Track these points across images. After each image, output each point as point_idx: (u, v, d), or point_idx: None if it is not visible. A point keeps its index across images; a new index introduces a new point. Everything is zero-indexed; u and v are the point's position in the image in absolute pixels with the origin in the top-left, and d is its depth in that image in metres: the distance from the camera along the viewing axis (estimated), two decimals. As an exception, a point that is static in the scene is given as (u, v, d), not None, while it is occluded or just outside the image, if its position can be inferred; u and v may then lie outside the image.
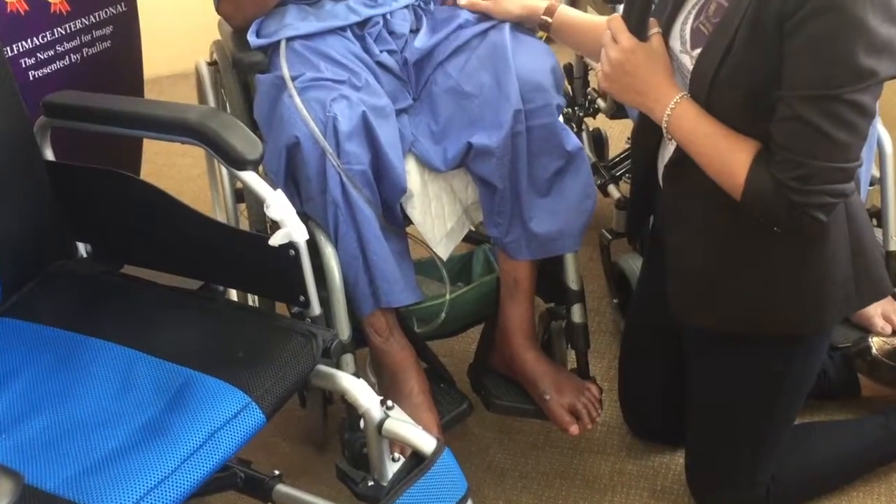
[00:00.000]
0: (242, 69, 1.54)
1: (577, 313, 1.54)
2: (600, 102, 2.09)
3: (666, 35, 1.21)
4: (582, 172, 1.47)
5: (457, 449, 1.21)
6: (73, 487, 0.95)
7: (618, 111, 1.98)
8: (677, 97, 1.16)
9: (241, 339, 1.16)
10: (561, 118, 1.48)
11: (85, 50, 1.68)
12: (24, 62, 1.58)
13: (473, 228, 1.60)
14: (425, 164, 1.47)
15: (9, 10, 1.53)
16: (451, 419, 1.49)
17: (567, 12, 1.49)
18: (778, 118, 1.07)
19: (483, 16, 1.53)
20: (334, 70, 1.45)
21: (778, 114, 1.07)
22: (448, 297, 1.54)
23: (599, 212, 1.62)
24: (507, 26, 1.49)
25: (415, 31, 1.58)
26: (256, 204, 1.52)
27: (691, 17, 1.20)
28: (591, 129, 2.25)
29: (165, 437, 1.00)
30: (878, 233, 1.74)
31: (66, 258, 1.36)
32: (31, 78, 1.59)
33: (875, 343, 1.60)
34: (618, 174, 2.05)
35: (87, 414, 1.07)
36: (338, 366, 1.27)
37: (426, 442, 1.13)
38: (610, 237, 1.90)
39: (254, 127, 1.56)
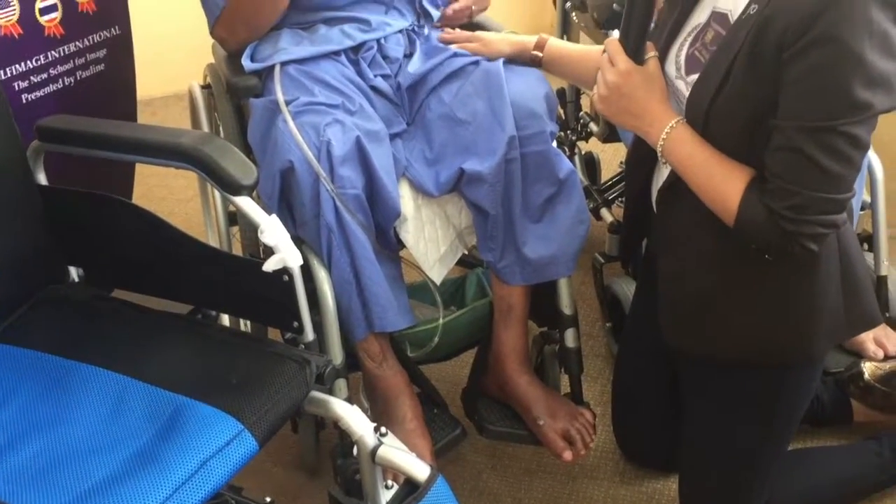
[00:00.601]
0: (236, 93, 1.54)
1: (570, 338, 1.54)
2: (593, 126, 2.10)
3: (662, 60, 1.22)
4: (574, 198, 1.47)
5: (450, 474, 1.20)
6: (64, 517, 0.94)
7: (610, 135, 1.99)
8: (673, 122, 1.17)
9: (234, 365, 1.15)
10: (554, 143, 1.48)
11: (79, 73, 1.68)
12: (18, 85, 1.58)
13: (467, 252, 1.60)
14: (419, 188, 1.47)
15: (2, 33, 1.53)
16: (445, 445, 1.48)
17: (557, 45, 1.51)
18: (773, 147, 1.08)
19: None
20: (328, 94, 1.45)
21: (773, 143, 1.08)
22: (441, 321, 1.54)
23: (592, 235, 1.62)
24: (500, 52, 1.50)
25: (409, 56, 1.59)
26: (250, 228, 1.52)
27: (687, 43, 1.21)
28: (583, 152, 2.26)
29: (157, 466, 0.99)
30: (869, 257, 1.76)
31: (59, 282, 1.36)
32: (24, 101, 1.59)
33: (867, 368, 1.60)
34: (610, 198, 2.05)
35: (77, 441, 1.06)
36: (331, 391, 1.26)
37: (420, 470, 1.12)
38: (603, 261, 1.90)
39: (247, 151, 1.56)
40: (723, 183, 1.13)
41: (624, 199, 1.74)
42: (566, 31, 2.18)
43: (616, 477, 1.63)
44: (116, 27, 1.76)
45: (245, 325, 1.60)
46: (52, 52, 1.62)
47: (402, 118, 1.55)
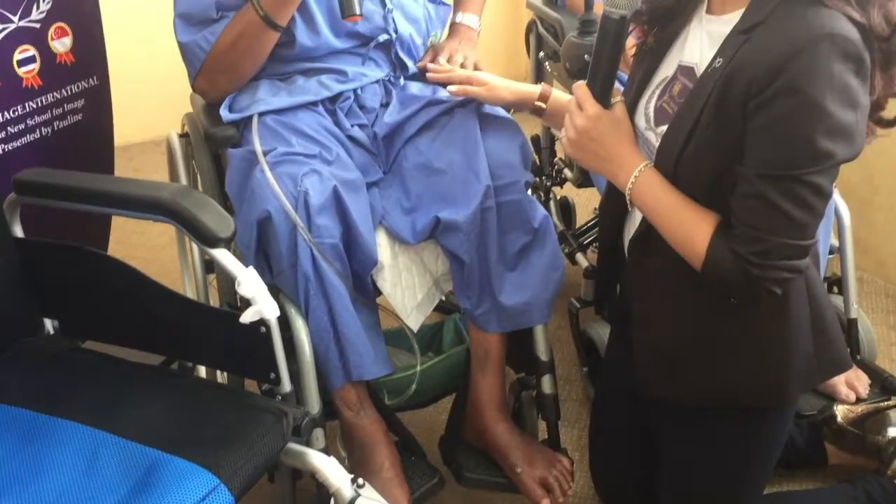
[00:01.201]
0: (214, 143, 1.56)
1: (546, 384, 1.55)
2: (567, 172, 2.14)
3: (631, 113, 1.25)
4: (548, 246, 1.49)
5: (428, 524, 1.19)
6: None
7: (585, 180, 2.02)
8: (641, 166, 1.19)
9: (210, 417, 1.15)
10: (529, 192, 1.51)
11: (56, 123, 1.69)
12: (-6, 136, 1.59)
13: (444, 298, 1.61)
14: (395, 236, 1.48)
15: (-21, 85, 1.54)
16: (423, 494, 1.47)
17: (559, 97, 1.50)
18: (739, 194, 1.10)
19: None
20: (305, 144, 1.47)
21: (739, 189, 1.10)
22: (419, 368, 1.55)
23: (568, 280, 1.64)
24: (475, 102, 1.52)
25: (385, 106, 1.61)
26: (227, 279, 1.52)
27: (655, 95, 1.24)
28: (558, 197, 2.29)
29: (132, 523, 0.99)
30: (839, 300, 1.79)
31: (33, 334, 1.35)
32: (1, 152, 1.59)
33: (840, 411, 1.62)
34: (585, 242, 2.08)
35: (52, 498, 1.05)
36: (308, 442, 1.26)
37: (397, 521, 1.12)
38: (578, 306, 1.92)
39: (225, 200, 1.56)
40: (691, 227, 1.15)
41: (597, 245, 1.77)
42: (540, 79, 2.22)
43: (594, 523, 1.63)
44: (94, 77, 1.77)
45: (222, 376, 1.59)
46: (30, 103, 1.63)
47: (379, 167, 1.57)
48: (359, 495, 1.13)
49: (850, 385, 1.68)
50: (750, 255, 1.09)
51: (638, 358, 1.34)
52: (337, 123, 1.57)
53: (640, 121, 1.25)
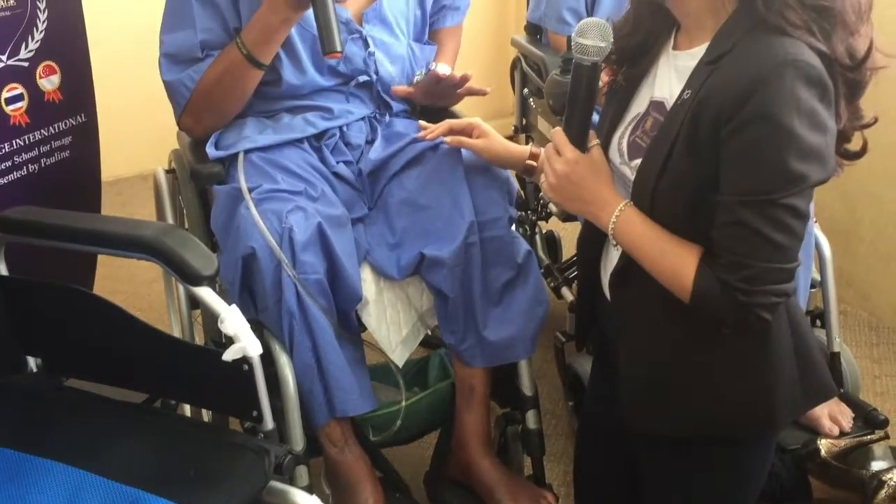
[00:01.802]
0: (200, 180, 1.57)
1: (531, 419, 1.55)
2: (553, 206, 2.15)
3: (605, 149, 1.27)
4: (532, 281, 1.50)
5: (412, 562, 1.19)
6: None
7: (570, 214, 2.04)
8: (622, 205, 1.21)
9: (192, 456, 1.15)
10: (514, 227, 1.52)
11: (43, 160, 1.69)
12: (-20, 173, 1.59)
13: (430, 333, 1.62)
14: (380, 272, 1.49)
15: (-33, 123, 1.55)
16: (407, 530, 1.47)
17: None
18: (719, 223, 1.12)
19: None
20: (291, 181, 1.48)
21: (719, 218, 1.12)
22: (404, 403, 1.55)
23: (554, 314, 1.65)
24: (459, 139, 1.54)
25: (370, 143, 1.63)
26: (211, 317, 1.52)
27: (628, 131, 1.26)
28: (544, 231, 2.30)
29: (111, 564, 0.98)
30: (822, 334, 1.80)
31: (17, 372, 1.35)
32: (-13, 188, 1.60)
33: (824, 445, 1.62)
34: (570, 276, 2.08)
35: (31, 539, 1.05)
36: (291, 480, 1.26)
37: (380, 560, 1.12)
38: (564, 340, 1.92)
39: (210, 236, 1.57)
40: (675, 260, 1.16)
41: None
42: (525, 114, 2.25)
43: (580, 559, 1.61)
44: (82, 115, 1.78)
45: (208, 414, 1.59)
46: (17, 141, 1.63)
47: (364, 203, 1.58)
48: (341, 534, 1.13)
49: (834, 419, 1.68)
50: (737, 282, 1.10)
51: (623, 395, 1.34)
52: (322, 160, 1.58)
53: (615, 156, 1.27)
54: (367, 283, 1.49)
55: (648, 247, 1.19)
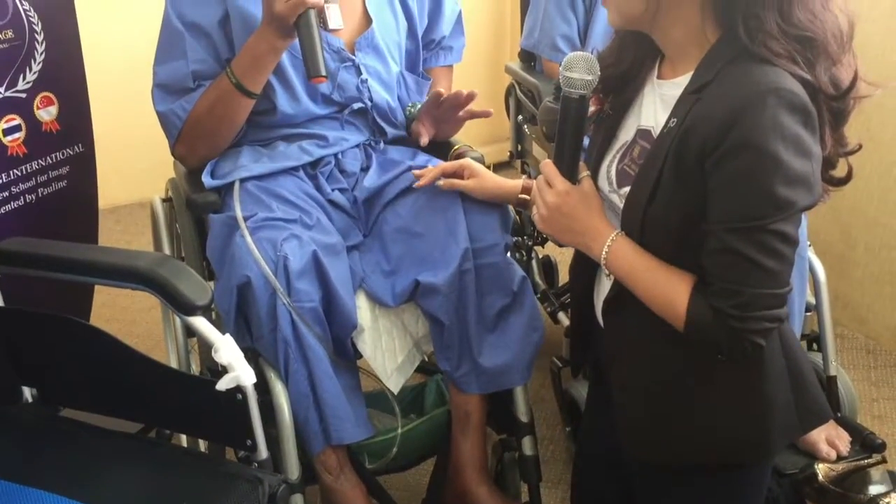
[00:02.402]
0: (196, 209, 1.58)
1: (527, 446, 1.55)
2: (548, 231, 2.16)
3: (594, 177, 1.28)
4: (527, 307, 1.51)
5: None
6: None
7: (565, 240, 2.04)
8: (613, 235, 1.21)
9: (186, 486, 1.15)
10: (507, 253, 1.53)
11: (40, 190, 1.70)
12: (-23, 204, 1.60)
13: (426, 359, 1.62)
14: (375, 299, 1.50)
15: (-35, 154, 1.56)
16: (403, 559, 1.46)
17: None
18: (709, 250, 1.12)
19: (431, 157, 1.60)
20: (286, 209, 1.49)
21: (708, 246, 1.12)
22: (400, 431, 1.54)
23: (550, 339, 1.65)
24: (454, 166, 1.55)
25: (365, 170, 1.64)
26: (206, 346, 1.53)
27: (616, 160, 1.27)
28: (540, 256, 2.31)
29: None
30: (819, 357, 1.80)
31: (11, 402, 1.35)
32: (-16, 219, 1.61)
33: (821, 470, 1.62)
34: (567, 301, 2.08)
35: (23, 572, 1.04)
36: (286, 509, 1.25)
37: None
38: (560, 365, 1.92)
39: (206, 264, 1.58)
40: (668, 288, 1.17)
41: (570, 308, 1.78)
42: (520, 140, 2.27)
43: (578, 586, 1.60)
44: (79, 145, 1.79)
45: (203, 443, 1.58)
46: (15, 171, 1.64)
47: (359, 230, 1.59)
48: (336, 563, 1.12)
49: (831, 443, 1.68)
50: (730, 308, 1.11)
51: (619, 423, 1.34)
52: (318, 188, 1.59)
53: (604, 184, 1.28)
54: (363, 310, 1.49)
55: (641, 276, 1.19)
